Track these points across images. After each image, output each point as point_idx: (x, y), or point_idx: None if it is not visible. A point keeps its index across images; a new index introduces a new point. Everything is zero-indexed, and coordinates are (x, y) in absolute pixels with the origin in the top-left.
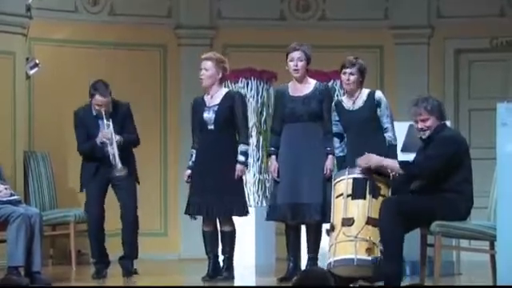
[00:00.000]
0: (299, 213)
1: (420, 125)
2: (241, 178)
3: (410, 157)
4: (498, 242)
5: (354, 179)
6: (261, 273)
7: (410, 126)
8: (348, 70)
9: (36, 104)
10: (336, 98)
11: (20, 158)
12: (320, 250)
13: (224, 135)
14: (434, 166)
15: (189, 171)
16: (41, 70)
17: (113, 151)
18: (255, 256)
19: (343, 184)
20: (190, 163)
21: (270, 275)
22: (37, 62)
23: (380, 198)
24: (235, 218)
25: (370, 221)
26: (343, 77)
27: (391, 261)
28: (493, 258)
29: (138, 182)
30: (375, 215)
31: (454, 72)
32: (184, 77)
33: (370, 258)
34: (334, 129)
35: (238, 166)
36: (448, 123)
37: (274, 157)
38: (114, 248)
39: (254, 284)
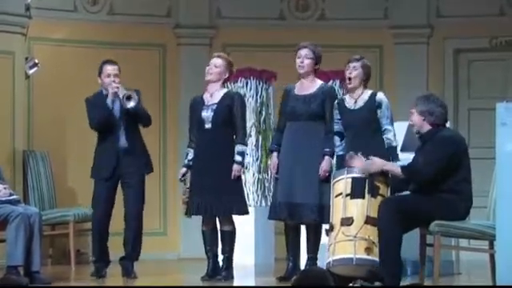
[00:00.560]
0: (295, 213)
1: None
2: (239, 177)
3: (409, 156)
4: (497, 242)
5: (353, 178)
6: (260, 272)
7: (409, 125)
8: (352, 64)
9: (35, 103)
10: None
11: (19, 158)
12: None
13: (221, 134)
14: (435, 170)
15: (184, 169)
16: (40, 69)
17: (123, 92)
18: (254, 256)
19: (342, 183)
20: (186, 162)
21: (269, 275)
22: (36, 61)
23: (379, 198)
24: (235, 218)
25: (369, 220)
26: (346, 72)
27: (390, 261)
28: (492, 257)
29: (152, 169)
30: (374, 214)
31: (454, 72)
32: (183, 76)
33: (369, 258)
34: (336, 127)
35: (235, 166)
36: (448, 123)
37: (275, 153)
38: (116, 248)
39: (253, 284)
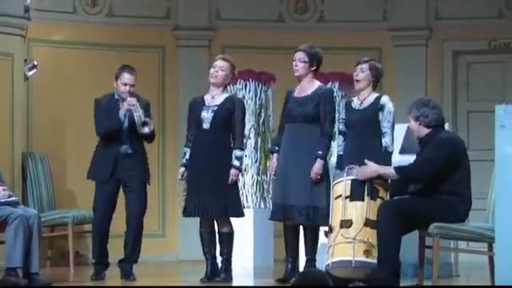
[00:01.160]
0: (288, 214)
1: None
2: (236, 181)
3: (408, 158)
4: (496, 244)
5: (353, 181)
6: (259, 274)
7: (408, 127)
8: (359, 66)
9: (34, 105)
10: (335, 99)
11: (18, 159)
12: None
13: (218, 136)
14: (433, 168)
15: (182, 169)
16: (39, 71)
17: (138, 113)
18: (253, 257)
19: (341, 185)
20: (184, 161)
21: (268, 277)
22: (35, 63)
23: (378, 200)
24: (233, 220)
25: (368, 222)
26: (354, 74)
27: (388, 263)
28: (491, 259)
29: (149, 183)
30: (373, 217)
31: (453, 74)
32: (182, 78)
33: (368, 261)
34: (340, 127)
35: (233, 171)
36: (446, 125)
37: (274, 155)
38: (116, 250)
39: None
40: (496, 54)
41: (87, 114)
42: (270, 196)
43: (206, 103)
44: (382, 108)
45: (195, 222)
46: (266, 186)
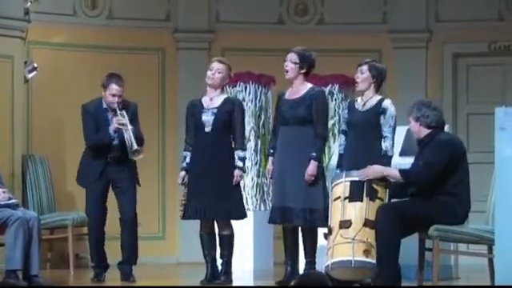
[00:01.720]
0: (287, 217)
1: None
2: (238, 182)
3: (408, 161)
4: (496, 246)
5: (352, 182)
6: (259, 277)
7: (408, 130)
8: (359, 68)
9: (34, 107)
10: (334, 101)
11: (18, 162)
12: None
13: (221, 138)
14: (434, 172)
15: (183, 173)
16: (39, 73)
17: (128, 135)
18: (253, 260)
19: (341, 187)
20: (185, 165)
21: (268, 279)
22: (35, 65)
23: (377, 201)
24: (233, 222)
25: (367, 223)
26: (355, 76)
27: (387, 265)
28: (491, 262)
29: (139, 184)
30: (372, 217)
31: (453, 76)
32: (182, 80)
33: (367, 260)
34: (343, 126)
35: (237, 172)
36: (446, 127)
37: (271, 158)
38: (114, 252)
39: None
40: (496, 57)
41: None
42: (269, 198)
43: (205, 106)
44: (383, 112)
45: (195, 224)
46: (265, 189)
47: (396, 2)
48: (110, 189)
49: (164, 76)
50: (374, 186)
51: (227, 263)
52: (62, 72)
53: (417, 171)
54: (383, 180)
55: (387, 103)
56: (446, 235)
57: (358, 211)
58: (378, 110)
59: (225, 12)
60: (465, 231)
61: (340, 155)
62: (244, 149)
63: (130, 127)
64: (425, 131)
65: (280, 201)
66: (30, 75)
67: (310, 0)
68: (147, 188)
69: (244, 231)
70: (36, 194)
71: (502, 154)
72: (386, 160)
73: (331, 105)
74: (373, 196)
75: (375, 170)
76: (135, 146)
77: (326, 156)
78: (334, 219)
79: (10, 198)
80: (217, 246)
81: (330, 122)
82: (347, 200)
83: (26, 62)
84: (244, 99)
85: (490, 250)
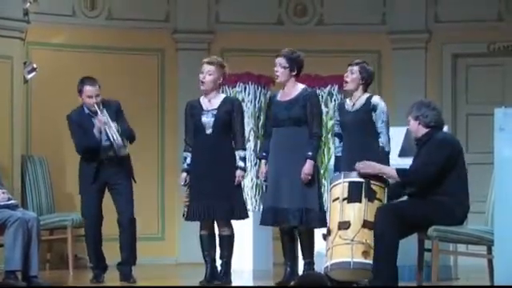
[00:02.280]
0: (280, 217)
1: None
2: (239, 182)
3: (408, 161)
4: (495, 247)
5: (350, 183)
6: (258, 278)
7: (408, 130)
8: (349, 68)
9: (34, 108)
10: (334, 102)
11: (17, 162)
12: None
13: (221, 139)
14: (431, 171)
15: (184, 174)
16: (38, 74)
17: (111, 132)
18: (253, 261)
19: (339, 188)
20: (186, 166)
21: (267, 280)
22: (34, 66)
23: (376, 202)
24: (233, 222)
25: (366, 224)
26: (345, 75)
27: (386, 266)
28: (490, 262)
29: (135, 181)
30: (371, 218)
31: (452, 77)
32: (182, 81)
33: (366, 261)
34: (336, 129)
35: (239, 172)
36: (445, 128)
37: (263, 161)
38: (113, 253)
39: None
40: (495, 57)
41: None
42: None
43: (204, 107)
44: (374, 108)
45: (194, 225)
46: (265, 190)
47: (395, 3)
48: (106, 190)
49: (163, 76)
50: (373, 187)
51: (227, 264)
52: (61, 73)
53: (414, 170)
54: (382, 181)
55: (376, 99)
56: (445, 236)
57: (356, 212)
58: (369, 108)
59: (224, 13)
60: (464, 232)
61: (337, 158)
62: (244, 148)
63: (112, 124)
64: (423, 130)
65: (273, 202)
66: (30, 76)
67: (309, 1)
68: (146, 188)
69: (243, 232)
70: (35, 195)
71: (502, 154)
72: (383, 155)
73: (331, 105)
74: (371, 197)
75: (373, 167)
76: (120, 142)
77: (326, 157)
78: (333, 220)
79: (9, 199)
80: (216, 246)
81: (330, 123)
82: (346, 201)
83: (25, 63)
84: (243, 100)
85: (490, 250)
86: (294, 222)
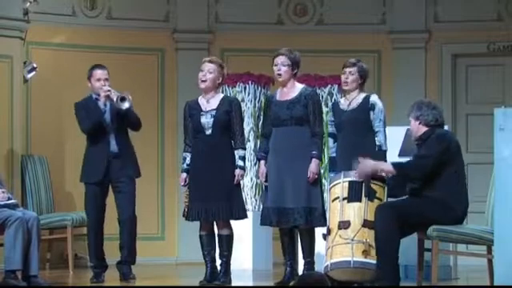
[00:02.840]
0: (284, 217)
1: None
2: (239, 182)
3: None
4: (495, 247)
5: (350, 182)
6: (258, 277)
7: (407, 130)
8: (348, 70)
9: (34, 108)
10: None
11: (17, 162)
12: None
13: (222, 140)
14: (427, 164)
15: (184, 174)
16: (38, 73)
17: (114, 94)
18: (252, 261)
19: (339, 187)
20: (185, 166)
21: (267, 280)
22: (34, 65)
23: (376, 201)
24: (232, 222)
25: (366, 223)
26: (342, 76)
27: (387, 266)
28: (490, 262)
29: (140, 175)
30: (371, 218)
31: (452, 76)
32: (181, 81)
33: (366, 261)
34: (330, 129)
35: (238, 171)
36: (445, 127)
37: (262, 161)
38: (113, 252)
39: None
40: (495, 57)
41: None
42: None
43: (203, 108)
44: (372, 107)
45: (194, 225)
46: (264, 190)
47: (395, 3)
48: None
49: (163, 76)
50: (373, 187)
51: (226, 263)
52: (61, 72)
53: (410, 163)
54: (381, 180)
55: (374, 98)
56: (445, 235)
57: (356, 212)
58: (367, 106)
59: (224, 12)
60: (464, 231)
61: (332, 158)
62: (244, 148)
63: (115, 91)
64: (423, 129)
65: (276, 202)
66: (30, 75)
67: (309, 1)
68: (146, 188)
69: (243, 231)
70: (35, 195)
71: (501, 154)
72: (380, 154)
73: (330, 105)
74: (371, 196)
75: (370, 166)
76: (118, 94)
77: (326, 156)
78: (333, 220)
79: (9, 198)
80: (216, 246)
81: None
82: (346, 200)
83: (25, 63)
84: (243, 100)
85: (490, 250)
86: (300, 222)
